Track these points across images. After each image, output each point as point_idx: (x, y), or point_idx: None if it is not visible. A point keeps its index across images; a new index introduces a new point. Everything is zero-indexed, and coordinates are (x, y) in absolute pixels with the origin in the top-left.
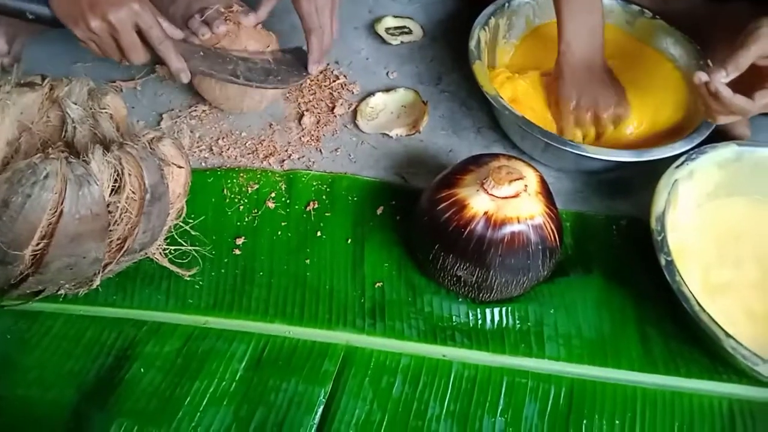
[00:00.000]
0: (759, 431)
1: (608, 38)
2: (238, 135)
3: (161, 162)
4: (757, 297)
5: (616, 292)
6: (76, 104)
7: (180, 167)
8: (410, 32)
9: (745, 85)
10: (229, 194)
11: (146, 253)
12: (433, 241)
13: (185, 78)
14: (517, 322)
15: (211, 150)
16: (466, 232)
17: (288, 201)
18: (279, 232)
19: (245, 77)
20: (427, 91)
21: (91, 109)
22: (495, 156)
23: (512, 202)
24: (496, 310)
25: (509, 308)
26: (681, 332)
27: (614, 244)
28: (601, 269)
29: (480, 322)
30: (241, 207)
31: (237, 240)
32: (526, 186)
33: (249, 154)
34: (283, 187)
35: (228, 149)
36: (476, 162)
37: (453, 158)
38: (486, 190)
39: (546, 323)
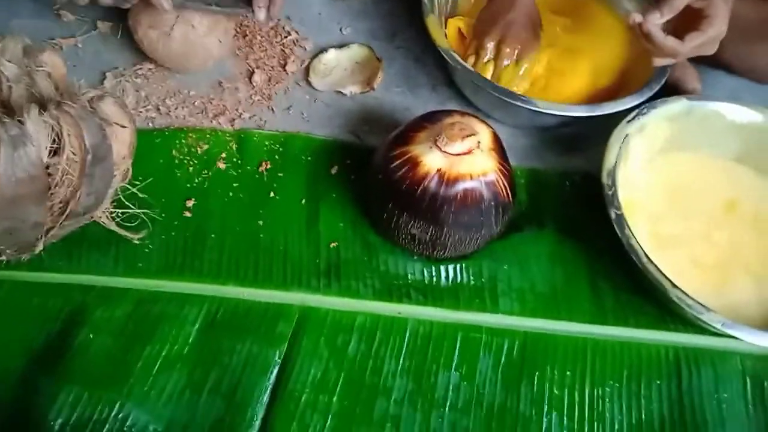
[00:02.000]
0: (702, 376)
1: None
2: (186, 94)
3: (103, 122)
4: (703, 248)
5: (568, 246)
6: (10, 62)
7: (123, 127)
8: None
9: (682, 29)
10: (177, 155)
11: (92, 217)
12: (387, 200)
13: (167, 4)
14: (472, 278)
15: (158, 110)
16: (419, 190)
17: (240, 161)
18: (231, 194)
19: (216, 3)
20: (381, 48)
21: (27, 67)
22: (449, 113)
23: (465, 159)
24: (451, 267)
25: (464, 265)
26: (631, 284)
27: (568, 199)
28: (554, 224)
29: (435, 279)
30: (191, 168)
31: (187, 202)
32: (479, 142)
33: (198, 113)
34: (234, 147)
35: (176, 109)
36: (430, 119)
37: (408, 116)
38: (439, 147)
39: (500, 279)
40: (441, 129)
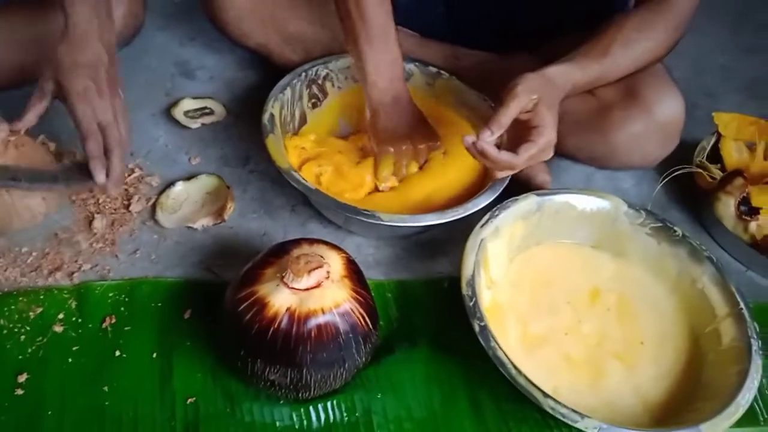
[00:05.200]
0: None
1: None
2: (17, 252)
3: None
4: (573, 342)
5: (443, 361)
6: None
7: None
8: (212, 113)
9: (520, 137)
10: (6, 324)
11: None
12: (239, 346)
13: None
14: (345, 414)
15: None
16: (270, 333)
17: (80, 320)
18: (70, 359)
19: (28, 180)
20: (235, 174)
21: None
22: (296, 243)
23: (315, 293)
24: (321, 407)
25: (334, 402)
26: (511, 391)
27: (438, 309)
28: (427, 339)
29: (305, 422)
30: (23, 337)
31: (19, 377)
32: (328, 272)
33: (31, 272)
34: (73, 304)
35: (5, 270)
36: (277, 252)
37: (267, 242)
38: (286, 284)
39: (374, 411)
40: (287, 264)
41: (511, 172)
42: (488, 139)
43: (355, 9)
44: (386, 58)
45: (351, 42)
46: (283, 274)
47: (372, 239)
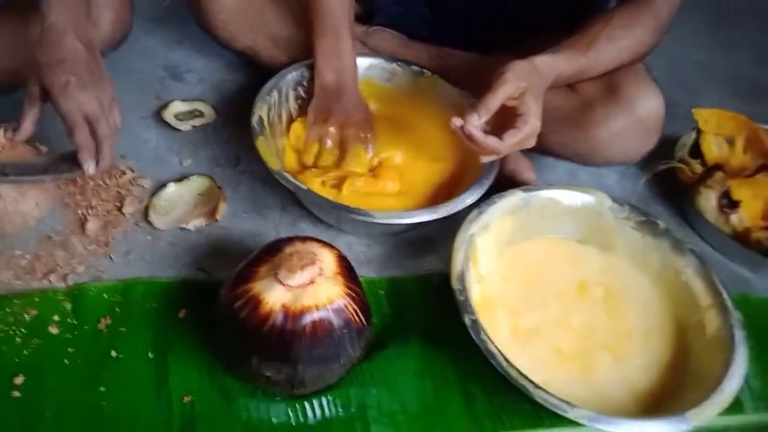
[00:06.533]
0: None
1: (392, 100)
2: (11, 255)
3: None
4: (562, 335)
5: (435, 355)
6: None
7: None
8: (202, 115)
9: (503, 124)
10: (1, 326)
11: None
12: (234, 343)
13: None
14: (340, 410)
15: None
16: (265, 330)
17: (75, 322)
18: (66, 361)
19: (16, 173)
20: (225, 174)
21: None
22: (289, 241)
23: (309, 290)
24: (316, 402)
25: (330, 398)
26: (503, 384)
27: (429, 305)
28: (419, 334)
29: (301, 419)
30: (18, 339)
31: (15, 379)
32: (321, 269)
33: (25, 274)
34: (68, 306)
35: None
36: (270, 250)
37: (258, 242)
38: (280, 280)
39: (369, 405)
40: (281, 261)
41: (495, 157)
42: (475, 123)
43: (313, 1)
44: (334, 48)
45: (310, 32)
46: (278, 271)
47: (363, 237)
